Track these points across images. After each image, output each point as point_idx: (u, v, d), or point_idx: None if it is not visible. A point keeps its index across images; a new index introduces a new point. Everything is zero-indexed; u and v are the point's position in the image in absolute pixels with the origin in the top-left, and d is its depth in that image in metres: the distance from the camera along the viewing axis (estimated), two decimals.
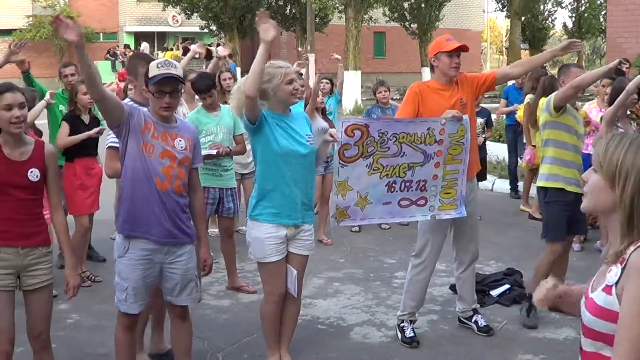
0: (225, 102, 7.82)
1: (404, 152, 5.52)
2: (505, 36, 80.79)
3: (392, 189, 5.58)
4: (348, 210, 5.51)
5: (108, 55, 43.79)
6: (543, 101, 9.99)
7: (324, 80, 10.66)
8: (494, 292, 7.10)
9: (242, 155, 7.77)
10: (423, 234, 5.96)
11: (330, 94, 10.59)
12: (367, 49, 35.50)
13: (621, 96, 6.59)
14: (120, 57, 42.21)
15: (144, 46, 47.02)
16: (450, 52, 5.73)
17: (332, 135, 5.15)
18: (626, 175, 2.41)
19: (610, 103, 7.02)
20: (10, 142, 4.40)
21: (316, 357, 5.76)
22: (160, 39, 51.72)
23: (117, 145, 5.04)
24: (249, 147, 6.64)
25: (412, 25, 41.13)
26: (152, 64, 4.55)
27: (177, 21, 49.19)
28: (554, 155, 6.33)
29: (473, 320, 6.28)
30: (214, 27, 40.04)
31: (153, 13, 48.65)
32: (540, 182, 6.47)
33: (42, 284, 4.49)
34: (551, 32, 49.24)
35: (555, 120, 6.25)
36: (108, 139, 5.19)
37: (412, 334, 6.02)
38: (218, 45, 48.04)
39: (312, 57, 33.76)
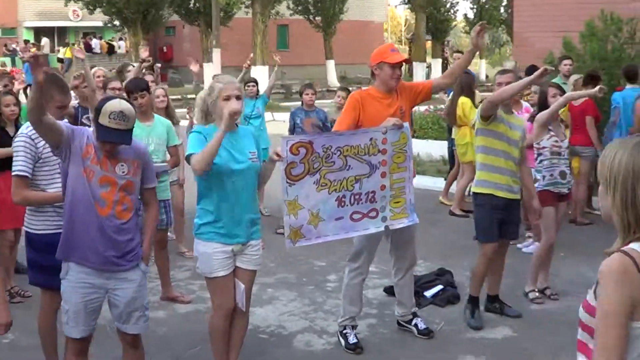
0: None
1: (349, 165, 5.53)
2: (405, 26, 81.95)
3: (343, 204, 5.58)
4: (302, 230, 5.46)
5: (6, 50, 42.51)
6: (462, 100, 10.25)
7: (250, 83, 10.63)
8: (428, 293, 7.21)
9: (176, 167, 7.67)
10: (359, 240, 6.00)
11: (257, 96, 10.57)
12: (270, 42, 35.51)
13: (560, 101, 6.82)
14: (20, 53, 41.02)
15: (45, 42, 45.84)
16: (394, 64, 5.79)
17: (277, 154, 5.13)
18: (614, 178, 2.47)
19: (539, 108, 7.21)
20: None
21: None
22: (60, 34, 50.53)
23: (25, 174, 4.97)
24: None
25: (316, 18, 41.31)
26: (106, 110, 4.36)
27: (78, 16, 48.14)
28: (485, 162, 6.48)
29: (413, 323, 6.37)
30: (117, 22, 39.34)
31: (53, 7, 47.43)
32: (472, 187, 6.61)
33: None
34: (453, 24, 50.20)
35: (486, 128, 6.38)
36: (14, 165, 5.01)
37: (355, 340, 6.06)
38: (120, 39, 47.35)
39: (217, 52, 33.62)
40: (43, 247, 5.02)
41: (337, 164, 5.48)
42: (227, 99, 4.93)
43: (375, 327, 6.58)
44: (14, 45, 43.72)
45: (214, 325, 5.27)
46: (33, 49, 42.59)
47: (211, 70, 33.40)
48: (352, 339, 6.07)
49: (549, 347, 6.15)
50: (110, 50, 46.74)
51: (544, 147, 7.07)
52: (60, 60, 42.56)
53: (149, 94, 7.11)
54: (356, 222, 5.68)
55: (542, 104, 7.21)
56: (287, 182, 5.33)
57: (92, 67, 9.59)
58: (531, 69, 10.95)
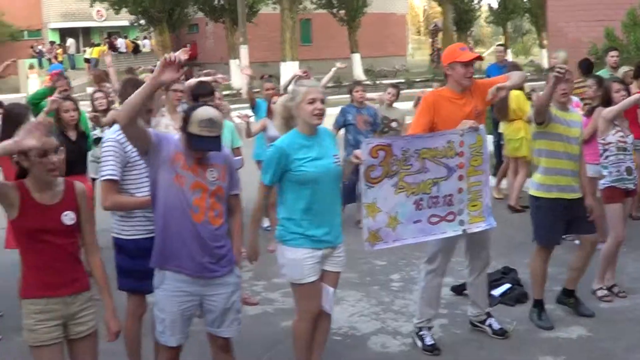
0: None
1: (427, 168, 5.54)
2: (423, 17, 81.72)
3: (420, 207, 5.58)
4: (380, 233, 5.47)
5: (33, 52, 42.78)
6: (515, 93, 10.16)
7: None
8: (496, 292, 7.19)
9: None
10: (436, 241, 5.97)
11: None
12: None
13: (631, 99, 6.77)
14: (46, 54, 41.29)
15: (70, 42, 46.12)
16: (466, 63, 5.76)
17: (357, 157, 5.13)
18: None
19: (603, 103, 7.16)
20: (40, 185, 4.13)
21: None
22: (85, 35, 50.73)
23: (115, 177, 4.98)
24: None
25: (339, 12, 41.26)
26: (194, 118, 4.38)
27: (102, 16, 48.31)
28: (547, 166, 6.41)
29: (487, 323, 6.37)
30: (143, 21, 39.47)
31: (77, 8, 47.66)
32: (531, 191, 6.57)
33: (89, 330, 4.29)
34: (478, 14, 50.00)
35: (544, 131, 6.32)
36: (104, 169, 5.04)
37: (432, 342, 6.07)
38: (145, 38, 47.53)
39: (244, 49, 33.64)
40: (134, 252, 5.06)
41: (415, 166, 5.48)
42: (312, 102, 4.95)
43: (448, 327, 6.58)
44: (40, 47, 43.97)
45: (301, 331, 5.28)
46: (59, 50, 43.05)
47: (236, 67, 33.50)
48: (428, 340, 6.07)
49: (625, 346, 6.13)
50: (136, 49, 46.94)
51: (610, 143, 7.02)
52: (86, 61, 42.77)
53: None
54: (434, 225, 5.68)
55: (606, 100, 7.14)
56: (365, 185, 5.34)
57: (135, 68, 9.59)
58: (585, 63, 10.92)
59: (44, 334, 4.12)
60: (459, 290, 7.27)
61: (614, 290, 7.27)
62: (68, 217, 4.16)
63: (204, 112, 4.42)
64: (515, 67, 10.91)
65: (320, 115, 5.01)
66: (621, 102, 6.95)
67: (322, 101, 4.99)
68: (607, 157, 7.05)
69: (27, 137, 3.83)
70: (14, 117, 6.59)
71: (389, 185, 5.42)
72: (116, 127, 5.03)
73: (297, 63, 30.41)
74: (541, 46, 49.27)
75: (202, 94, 6.67)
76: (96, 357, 4.39)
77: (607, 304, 7.05)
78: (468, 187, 5.75)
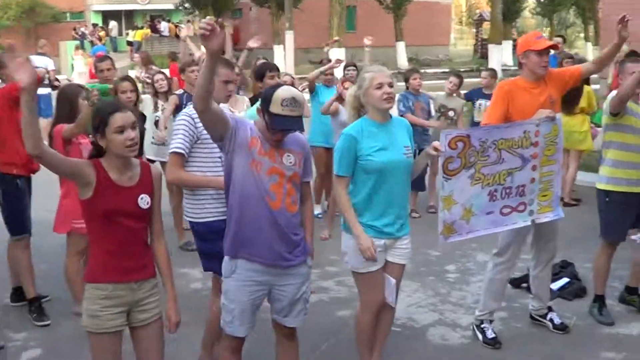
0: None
1: (503, 159, 5.47)
2: (466, 6, 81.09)
3: (494, 198, 5.53)
4: (454, 225, 5.42)
5: (75, 34, 43.11)
6: (588, 89, 10.06)
7: (350, 67, 10.52)
8: (554, 286, 7.11)
9: None
10: (508, 233, 5.90)
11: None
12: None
13: None
14: (89, 36, 41.55)
15: (112, 25, 46.40)
16: (541, 51, 5.70)
17: (436, 149, 5.07)
18: None
19: None
20: (117, 166, 4.02)
21: None
22: (128, 18, 51.02)
23: (181, 151, 4.98)
24: None
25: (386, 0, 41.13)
26: (277, 96, 4.29)
27: None
28: (617, 158, 6.29)
29: (548, 317, 6.32)
30: (187, 5, 39.56)
31: None
32: (601, 185, 6.44)
33: (154, 317, 4.19)
34: (524, 5, 49.50)
35: (617, 122, 6.22)
36: (172, 142, 5.05)
37: (493, 335, 6.03)
38: (188, 22, 47.70)
39: (290, 35, 33.61)
40: (206, 235, 5.09)
41: (492, 157, 5.42)
42: (380, 87, 4.88)
43: (508, 321, 6.53)
44: (82, 29, 44.29)
45: (364, 322, 5.25)
46: (102, 32, 43.35)
47: (281, 52, 33.46)
48: (490, 334, 6.04)
49: None
50: (178, 33, 47.07)
51: None
52: (129, 44, 43.01)
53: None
54: (505, 216, 5.63)
55: None
56: (443, 177, 5.29)
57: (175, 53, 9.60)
58: (632, 55, 10.72)
59: (107, 321, 4.01)
60: (516, 283, 7.22)
61: None
62: (144, 201, 4.09)
63: (286, 91, 4.33)
64: (570, 57, 10.83)
65: (390, 99, 4.93)
66: None
67: (391, 85, 4.92)
68: None
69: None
70: (67, 97, 6.60)
71: (465, 177, 5.36)
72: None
73: (343, 50, 30.29)
74: (586, 39, 48.70)
75: (270, 69, 6.58)
76: (163, 344, 4.30)
77: None
78: (540, 177, 5.69)
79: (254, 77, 6.60)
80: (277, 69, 6.55)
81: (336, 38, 11.57)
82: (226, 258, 4.55)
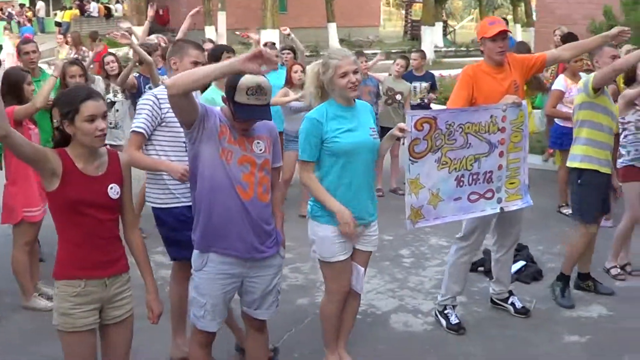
0: None
1: (470, 143, 5.42)
2: None
3: (461, 184, 5.49)
4: (422, 210, 5.36)
5: (2, 14, 41.88)
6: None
7: (285, 51, 10.41)
8: (511, 270, 7.12)
9: None
10: (472, 219, 5.85)
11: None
12: None
13: None
14: (16, 17, 40.42)
15: (40, 5, 45.25)
16: (494, 37, 5.66)
17: (401, 129, 4.98)
18: None
19: (627, 81, 7.08)
20: (84, 155, 3.83)
21: (368, 351, 5.65)
22: None
23: (142, 130, 4.83)
24: None
25: None
26: (242, 85, 4.09)
27: None
28: (589, 137, 6.35)
29: (509, 302, 6.32)
30: None
31: None
32: (573, 163, 6.47)
33: (126, 314, 4.01)
34: None
35: (592, 101, 6.26)
36: (135, 122, 4.90)
37: (457, 320, 5.99)
38: (117, 2, 46.72)
39: (222, 15, 33.18)
40: (172, 222, 4.98)
41: (459, 141, 5.37)
42: (344, 75, 4.75)
43: (468, 305, 6.50)
44: (9, 10, 43.10)
45: (330, 311, 5.15)
46: (29, 13, 42.22)
47: (212, 33, 33.00)
48: (453, 319, 6.00)
49: None
50: (108, 13, 46.16)
51: (629, 122, 6.96)
52: (57, 24, 41.96)
53: None
54: (473, 203, 5.59)
55: (631, 77, 7.05)
56: (410, 160, 5.21)
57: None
58: (569, 37, 10.84)
59: (79, 319, 3.80)
60: (473, 267, 7.19)
61: (627, 269, 7.26)
62: (114, 191, 3.88)
63: (251, 79, 4.11)
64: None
65: (355, 87, 4.81)
66: None
67: (356, 72, 4.79)
68: (625, 136, 6.98)
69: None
70: (12, 82, 6.33)
71: (432, 160, 5.29)
72: (162, 86, 4.94)
73: (277, 31, 30.02)
74: (515, 21, 49.17)
75: (226, 50, 6.36)
76: (130, 343, 4.13)
77: (621, 282, 7.04)
78: (507, 163, 5.66)
79: (208, 59, 6.36)
80: (233, 51, 6.35)
81: (287, 31, 11.35)
82: (196, 252, 4.37)
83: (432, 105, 13.81)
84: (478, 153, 5.49)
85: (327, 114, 4.82)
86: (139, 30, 11.31)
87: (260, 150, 4.32)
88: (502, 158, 5.62)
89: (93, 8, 45.76)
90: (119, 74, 8.70)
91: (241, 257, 4.29)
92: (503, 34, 5.69)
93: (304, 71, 8.78)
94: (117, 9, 47.28)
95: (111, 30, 8.39)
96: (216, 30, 33.46)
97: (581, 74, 8.99)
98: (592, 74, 6.29)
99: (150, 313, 4.15)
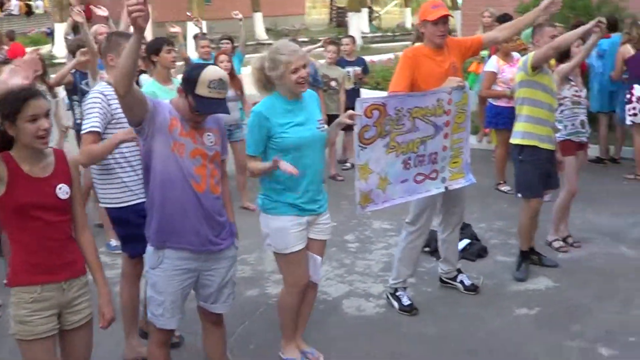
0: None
1: (417, 127, 5.49)
2: None
3: (408, 166, 5.55)
4: (371, 195, 5.40)
5: None
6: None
7: (224, 40, 10.38)
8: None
9: None
10: (420, 202, 5.92)
11: (232, 53, 10.35)
12: None
13: (583, 52, 6.86)
14: None
15: None
16: (435, 21, 5.70)
17: (351, 117, 4.98)
18: None
19: (560, 58, 7.21)
20: (29, 156, 3.72)
21: (323, 338, 5.65)
22: None
23: (97, 129, 4.73)
24: None
25: None
26: (204, 77, 4.05)
27: None
28: (529, 114, 6.47)
29: (458, 280, 6.41)
30: None
31: None
32: (515, 140, 6.60)
33: (86, 319, 3.90)
34: None
35: (532, 79, 6.37)
36: (86, 122, 4.79)
37: (409, 302, 6.05)
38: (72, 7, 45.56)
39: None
40: (129, 219, 4.92)
41: (407, 126, 5.42)
42: (295, 71, 4.71)
43: (417, 286, 6.57)
44: None
45: (289, 304, 5.13)
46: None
47: None
48: (405, 301, 6.06)
49: (592, 295, 6.29)
50: (29, 11, 45.04)
51: (565, 97, 7.11)
52: None
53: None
54: (419, 184, 5.65)
55: (564, 54, 7.20)
56: (359, 146, 5.23)
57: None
58: (503, 18, 11.02)
59: (38, 326, 3.71)
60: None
61: (569, 241, 7.43)
62: (63, 191, 3.78)
63: (213, 71, 4.09)
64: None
65: (305, 82, 4.80)
66: (575, 57, 7.03)
67: (305, 66, 4.77)
68: (562, 111, 7.13)
69: (13, 76, 3.46)
70: None
71: (381, 145, 5.33)
72: (104, 83, 4.90)
73: (204, 23, 29.75)
74: (406, 5, 49.04)
75: (166, 43, 6.26)
76: (91, 348, 4.04)
77: (564, 254, 7.21)
78: (451, 144, 5.76)
79: (146, 52, 6.25)
80: (172, 43, 6.27)
81: (239, 16, 11.28)
82: (150, 249, 4.31)
83: (365, 91, 13.92)
84: (424, 136, 5.57)
85: (274, 107, 4.78)
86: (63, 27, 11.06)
87: (211, 142, 4.28)
88: (446, 139, 5.70)
89: (14, 6, 44.62)
90: (44, 74, 8.50)
91: (197, 251, 4.25)
92: (445, 18, 5.74)
93: (230, 60, 8.86)
94: (38, 6, 46.14)
95: (33, 28, 8.16)
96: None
97: (515, 53, 9.19)
98: (532, 53, 6.40)
99: (101, 318, 4.01)
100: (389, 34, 38.44)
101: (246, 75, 7.74)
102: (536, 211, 6.65)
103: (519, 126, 6.57)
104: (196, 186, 4.17)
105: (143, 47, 5.30)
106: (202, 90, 4.05)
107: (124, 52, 3.74)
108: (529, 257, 6.77)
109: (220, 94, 4.10)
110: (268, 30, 40.58)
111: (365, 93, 13.91)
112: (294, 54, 4.75)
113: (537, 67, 6.30)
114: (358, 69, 10.86)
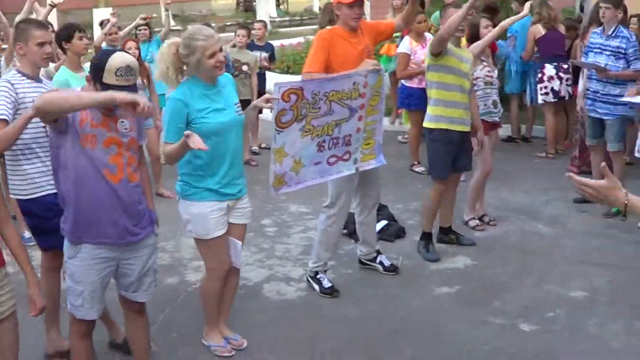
0: None
1: (333, 110, 5.48)
2: None
3: (322, 149, 5.55)
4: (285, 177, 5.39)
5: None
6: None
7: (142, 27, 10.24)
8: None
9: None
10: (337, 185, 5.91)
11: (150, 39, 10.20)
12: None
13: (495, 32, 6.94)
14: None
15: None
16: (351, 4, 5.68)
17: (268, 100, 4.93)
18: None
19: (470, 39, 7.28)
20: None
21: (246, 323, 5.57)
22: None
23: (5, 117, 4.51)
24: None
25: None
26: (111, 65, 3.91)
27: None
28: (438, 97, 6.48)
29: (377, 261, 6.42)
30: None
31: None
32: (426, 123, 6.63)
33: (9, 310, 3.76)
34: None
35: (437, 63, 6.38)
36: None
37: (330, 284, 6.03)
38: None
39: None
40: (40, 212, 4.73)
41: (323, 109, 5.40)
42: (212, 56, 4.62)
43: (337, 268, 6.54)
44: None
45: (212, 289, 5.05)
46: None
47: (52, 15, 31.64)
48: (326, 283, 6.03)
49: (511, 272, 6.40)
50: None
51: (477, 78, 7.16)
52: None
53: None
54: (332, 165, 5.67)
55: (474, 36, 7.27)
56: (276, 130, 5.19)
57: None
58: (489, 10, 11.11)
59: None
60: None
61: (485, 220, 7.53)
62: None
63: (120, 58, 3.95)
64: None
65: (222, 65, 4.73)
66: (485, 37, 7.11)
67: (221, 49, 4.69)
68: (475, 91, 7.18)
69: None
70: None
71: (296, 129, 5.31)
72: (13, 71, 4.75)
73: (109, 9, 29.11)
74: None
75: (78, 29, 6.05)
76: (17, 339, 3.87)
77: (480, 233, 7.30)
78: (365, 126, 5.76)
79: (57, 39, 6.03)
80: (84, 30, 6.07)
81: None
82: (67, 242, 4.17)
83: (276, 75, 13.85)
84: (339, 119, 5.57)
85: (192, 93, 4.68)
86: None
87: (126, 129, 4.14)
88: (360, 122, 5.71)
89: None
90: None
91: (115, 244, 4.15)
92: (360, 1, 5.73)
93: (138, 48, 8.79)
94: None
95: None
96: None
97: (427, 34, 9.25)
98: (433, 38, 6.45)
99: (32, 306, 3.89)
100: (296, 18, 38.32)
101: None
102: (442, 192, 6.69)
103: (429, 109, 6.58)
104: (112, 177, 4.04)
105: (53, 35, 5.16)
106: (109, 78, 3.92)
107: (86, 99, 3.77)
108: (431, 238, 6.81)
109: (128, 81, 3.96)
110: (175, 17, 39.95)
111: (276, 77, 13.90)
112: (210, 38, 4.66)
113: (437, 53, 6.31)
114: (265, 54, 10.80)
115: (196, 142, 4.22)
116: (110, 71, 3.91)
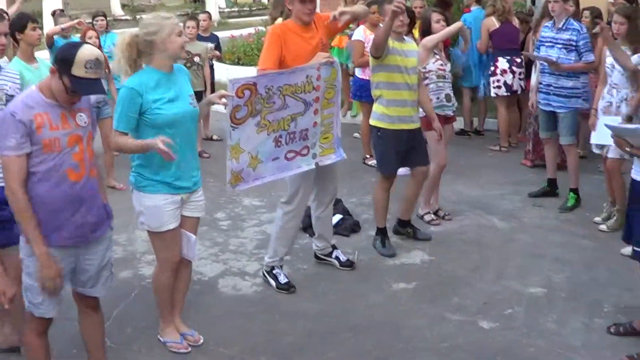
0: None
1: (287, 105, 5.41)
2: None
3: (279, 144, 5.48)
4: (242, 174, 5.33)
5: None
6: None
7: (99, 17, 10.05)
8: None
9: None
10: (294, 181, 5.84)
11: (107, 31, 9.99)
12: None
13: (451, 29, 6.94)
14: None
15: None
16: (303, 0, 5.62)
17: (222, 97, 4.89)
18: None
19: (423, 33, 7.25)
20: None
21: (202, 318, 5.48)
22: None
23: None
24: None
25: None
26: (80, 58, 3.80)
27: None
28: (386, 97, 6.43)
29: (333, 256, 6.37)
30: None
31: None
32: (373, 121, 6.59)
33: None
34: None
35: (381, 63, 6.33)
36: None
37: (286, 280, 5.96)
38: None
39: None
40: None
41: (277, 104, 5.35)
42: (180, 34, 4.63)
43: (294, 263, 6.47)
44: None
45: (163, 281, 4.99)
46: None
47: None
48: (283, 279, 5.96)
49: (466, 267, 6.39)
50: None
51: (430, 71, 7.13)
52: None
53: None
54: (290, 160, 5.60)
55: (426, 30, 7.25)
56: (231, 126, 5.15)
57: None
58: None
59: None
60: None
61: (440, 214, 7.51)
62: None
63: (90, 51, 3.86)
64: None
65: (184, 47, 4.76)
66: (441, 32, 7.08)
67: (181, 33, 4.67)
68: (427, 85, 7.13)
69: None
70: None
71: (252, 124, 5.25)
72: None
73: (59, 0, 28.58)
74: None
75: (31, 19, 5.89)
76: None
77: (436, 227, 7.29)
78: (322, 120, 5.71)
79: (10, 29, 5.86)
80: (37, 21, 5.92)
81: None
82: (22, 241, 4.01)
83: (226, 66, 13.72)
84: (295, 113, 5.50)
85: (146, 82, 4.59)
86: None
87: (85, 123, 4.04)
88: (316, 115, 5.66)
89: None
90: None
91: (75, 245, 4.06)
92: None
93: (98, 37, 8.72)
94: None
95: None
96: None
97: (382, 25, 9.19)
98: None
99: (2, 297, 3.89)
100: (245, 9, 38.09)
101: None
102: (388, 188, 6.67)
103: (376, 108, 6.53)
104: (75, 175, 3.94)
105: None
106: (78, 71, 3.82)
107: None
108: (386, 233, 6.77)
109: (96, 73, 3.88)
110: (124, 6, 39.46)
111: (225, 68, 13.78)
112: (172, 18, 4.67)
113: (378, 55, 6.26)
114: (211, 45, 10.69)
115: (165, 156, 4.27)
116: (79, 64, 3.81)
